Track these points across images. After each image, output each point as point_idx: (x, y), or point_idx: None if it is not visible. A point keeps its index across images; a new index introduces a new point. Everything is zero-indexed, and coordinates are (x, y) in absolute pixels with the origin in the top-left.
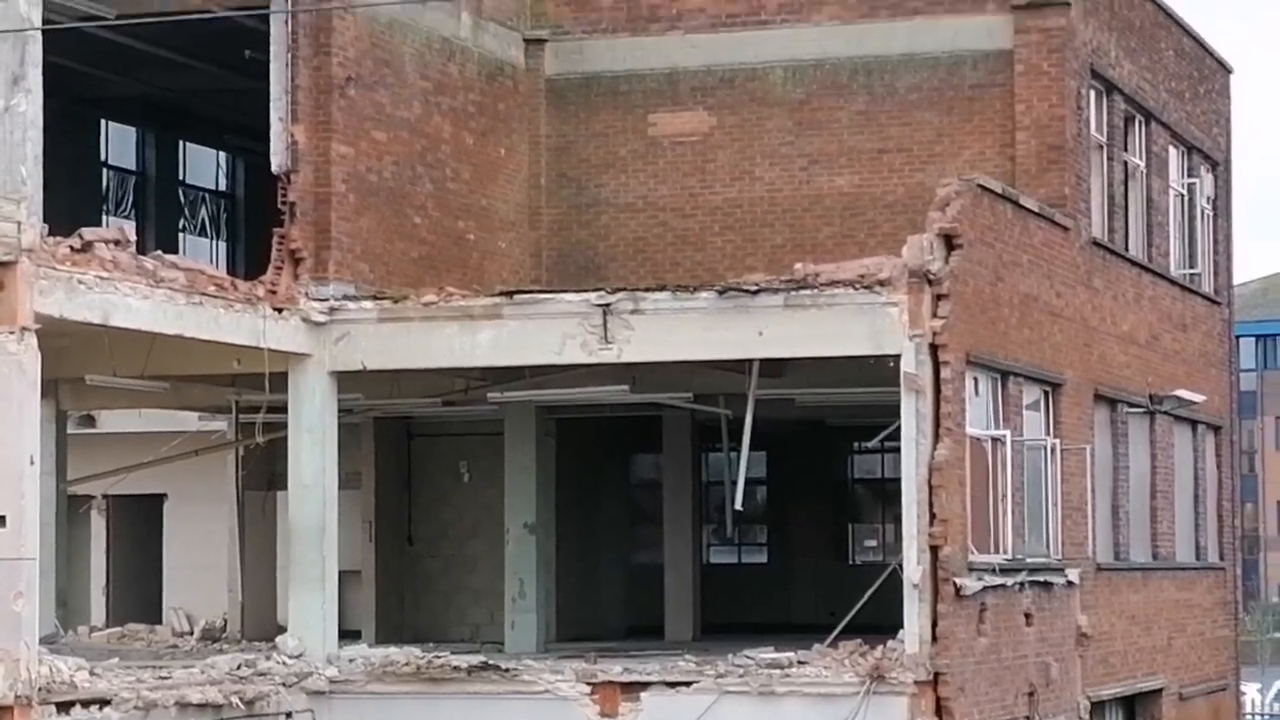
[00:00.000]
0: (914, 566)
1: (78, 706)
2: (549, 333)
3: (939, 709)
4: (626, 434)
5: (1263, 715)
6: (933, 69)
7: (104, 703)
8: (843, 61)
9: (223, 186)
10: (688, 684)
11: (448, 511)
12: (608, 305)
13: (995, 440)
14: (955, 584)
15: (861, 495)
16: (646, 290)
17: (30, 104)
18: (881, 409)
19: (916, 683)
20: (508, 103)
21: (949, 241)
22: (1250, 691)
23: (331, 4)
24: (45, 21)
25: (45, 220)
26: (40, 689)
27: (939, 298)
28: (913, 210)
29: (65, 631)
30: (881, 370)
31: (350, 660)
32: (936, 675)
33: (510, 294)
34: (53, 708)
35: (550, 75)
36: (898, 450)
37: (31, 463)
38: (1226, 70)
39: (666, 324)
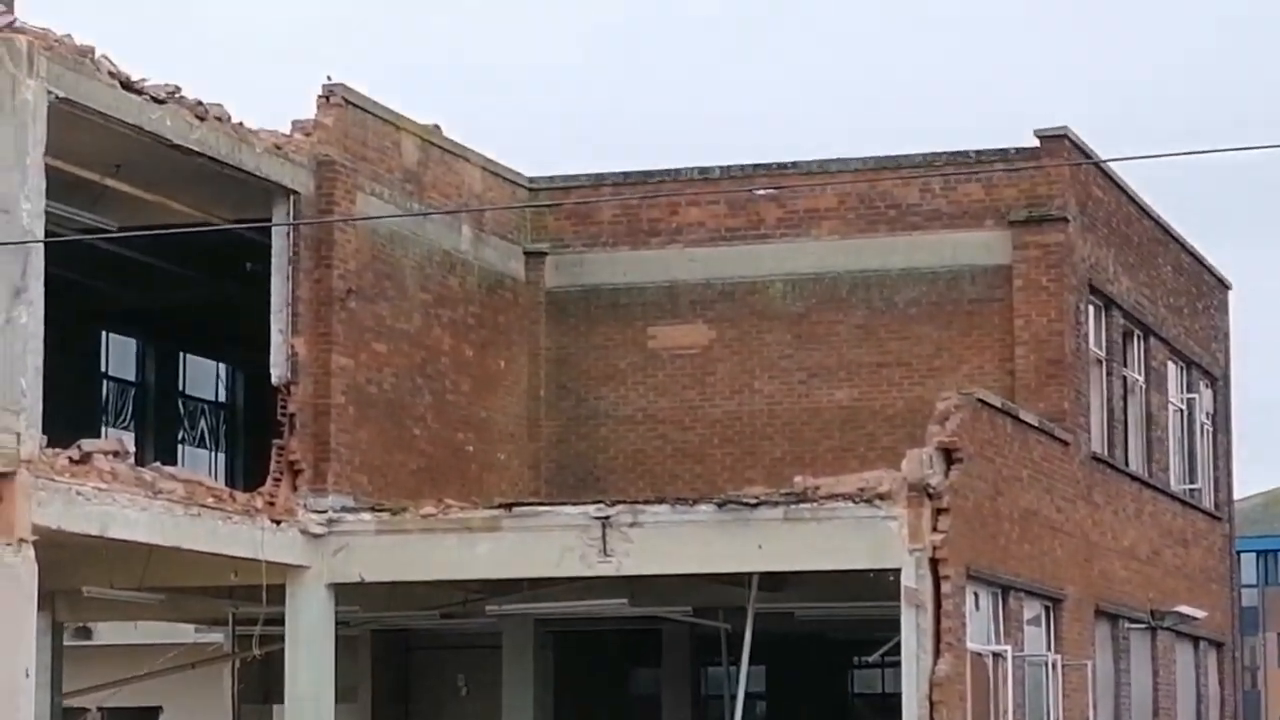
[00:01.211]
0: None
1: None
2: (547, 545)
3: None
4: (625, 647)
5: None
6: (931, 283)
7: None
8: (842, 275)
9: (222, 398)
10: None
11: None
12: (606, 518)
13: (996, 655)
14: None
15: (862, 710)
16: (645, 503)
17: (31, 316)
18: (882, 623)
19: None
20: (508, 315)
21: (948, 455)
22: None
23: (333, 218)
24: (47, 233)
25: (44, 431)
26: None
27: (939, 512)
28: (912, 424)
29: None
30: (882, 584)
31: None
32: None
33: (509, 506)
34: None
35: (550, 288)
36: (898, 665)
37: (27, 675)
38: (1225, 286)
39: (666, 537)
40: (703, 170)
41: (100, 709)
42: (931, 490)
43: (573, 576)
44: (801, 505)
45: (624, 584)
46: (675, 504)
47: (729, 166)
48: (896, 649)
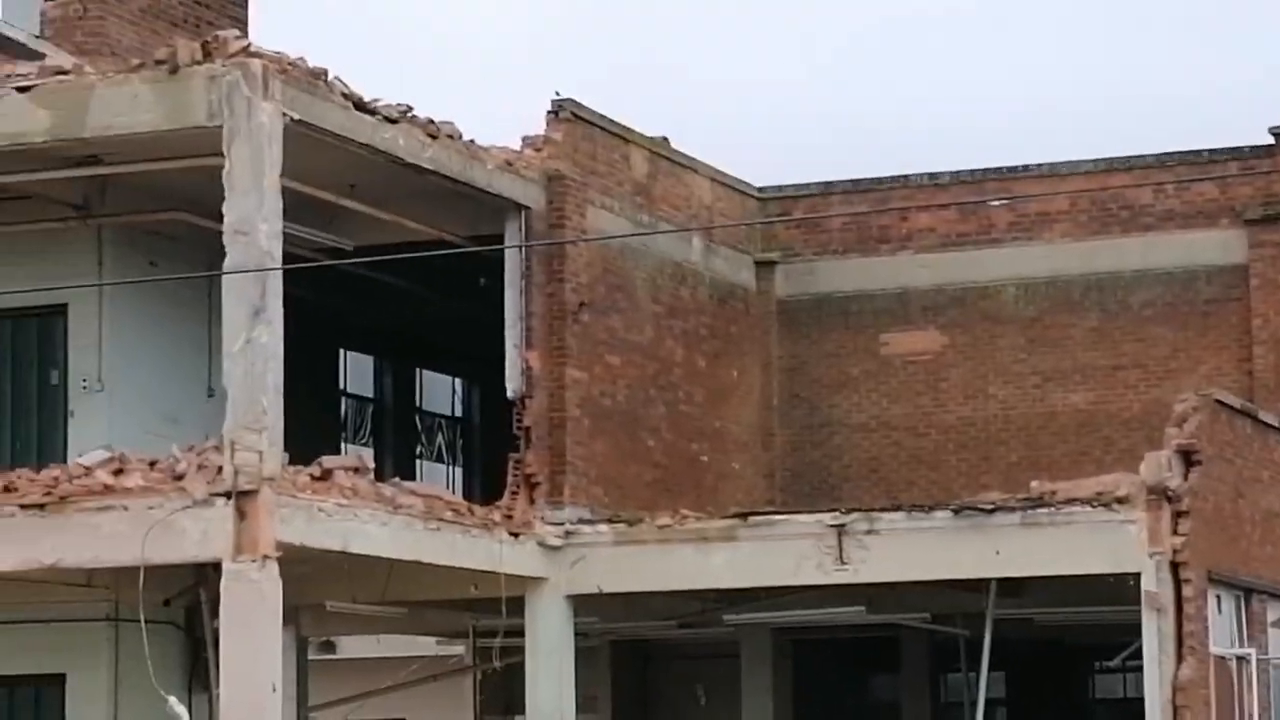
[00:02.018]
0: None
1: None
2: (784, 554)
3: None
4: (863, 654)
5: None
6: (1166, 284)
7: None
8: (1075, 278)
9: (458, 412)
10: None
11: None
12: (842, 526)
13: (1240, 659)
14: None
15: (1104, 715)
16: (881, 510)
17: (271, 335)
18: (1123, 628)
19: None
20: (739, 325)
21: (1187, 458)
22: None
23: (565, 239)
24: (284, 254)
25: (286, 449)
26: None
27: (1178, 515)
28: (1149, 426)
29: None
30: (1121, 589)
31: None
32: None
33: (745, 516)
34: None
35: (781, 297)
36: (1140, 670)
37: (274, 690)
38: None
39: (902, 544)
40: (932, 176)
41: None
42: (1171, 493)
43: (809, 585)
44: (1039, 510)
45: (861, 591)
46: (911, 511)
47: (959, 171)
48: (1138, 653)
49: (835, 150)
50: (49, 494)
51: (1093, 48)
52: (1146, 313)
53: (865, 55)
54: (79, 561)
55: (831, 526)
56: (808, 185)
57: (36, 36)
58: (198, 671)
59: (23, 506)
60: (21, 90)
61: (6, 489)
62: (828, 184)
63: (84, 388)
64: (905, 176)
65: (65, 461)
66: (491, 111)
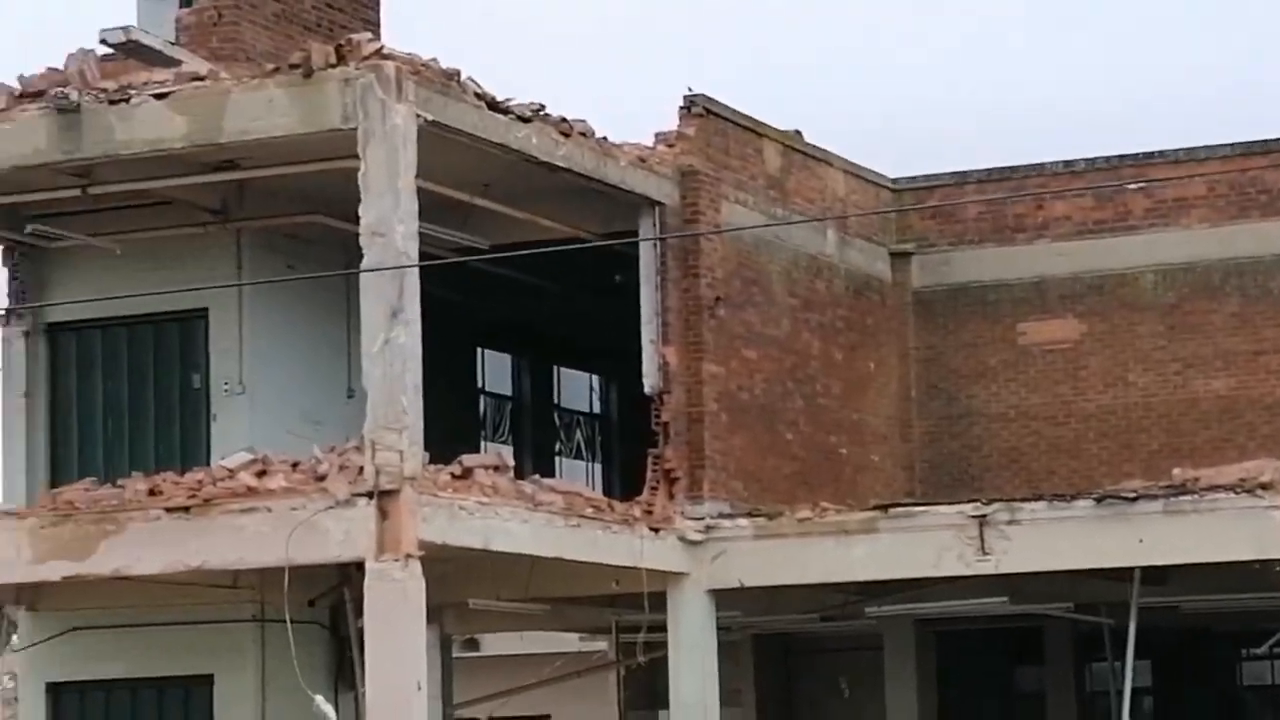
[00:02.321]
0: None
1: None
2: (925, 546)
3: None
4: (1007, 645)
5: None
6: None
7: None
8: (1214, 264)
9: (596, 409)
10: None
11: None
12: (984, 516)
13: None
14: None
15: (1253, 702)
16: (1022, 500)
17: (409, 335)
18: (1270, 614)
19: None
20: (875, 316)
21: None
22: None
23: (699, 230)
24: (421, 254)
25: (426, 448)
26: None
27: None
28: None
29: None
30: (1267, 575)
31: None
32: None
33: (885, 508)
34: None
35: (917, 287)
36: None
37: (419, 688)
38: None
39: (1044, 533)
40: (1067, 163)
41: (491, 718)
42: None
43: (951, 576)
44: (1182, 498)
45: (1003, 582)
46: (1053, 500)
47: (1094, 158)
48: None
49: (970, 139)
50: (193, 496)
51: (1228, 29)
52: None
53: (998, 42)
54: (224, 563)
55: (973, 517)
56: (942, 175)
57: (172, 43)
58: (343, 671)
59: (168, 510)
60: (159, 97)
61: (152, 492)
62: (962, 174)
63: (225, 391)
64: (1040, 164)
65: (208, 464)
66: (616, 106)
